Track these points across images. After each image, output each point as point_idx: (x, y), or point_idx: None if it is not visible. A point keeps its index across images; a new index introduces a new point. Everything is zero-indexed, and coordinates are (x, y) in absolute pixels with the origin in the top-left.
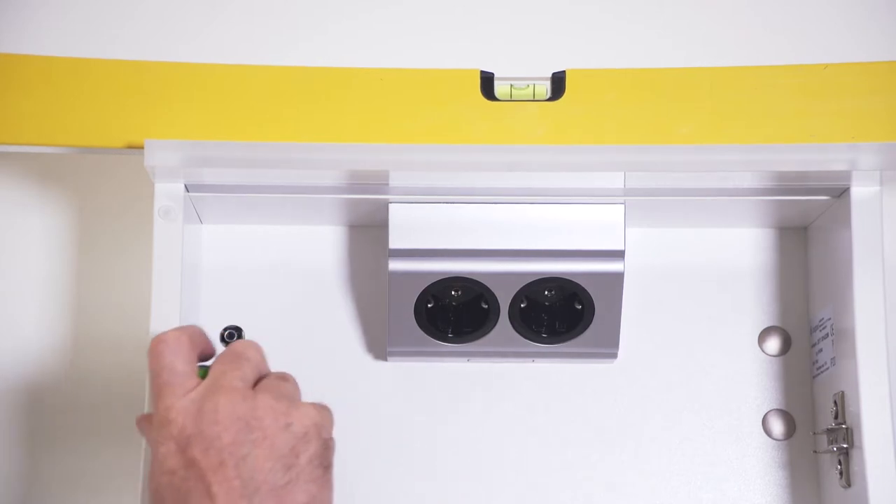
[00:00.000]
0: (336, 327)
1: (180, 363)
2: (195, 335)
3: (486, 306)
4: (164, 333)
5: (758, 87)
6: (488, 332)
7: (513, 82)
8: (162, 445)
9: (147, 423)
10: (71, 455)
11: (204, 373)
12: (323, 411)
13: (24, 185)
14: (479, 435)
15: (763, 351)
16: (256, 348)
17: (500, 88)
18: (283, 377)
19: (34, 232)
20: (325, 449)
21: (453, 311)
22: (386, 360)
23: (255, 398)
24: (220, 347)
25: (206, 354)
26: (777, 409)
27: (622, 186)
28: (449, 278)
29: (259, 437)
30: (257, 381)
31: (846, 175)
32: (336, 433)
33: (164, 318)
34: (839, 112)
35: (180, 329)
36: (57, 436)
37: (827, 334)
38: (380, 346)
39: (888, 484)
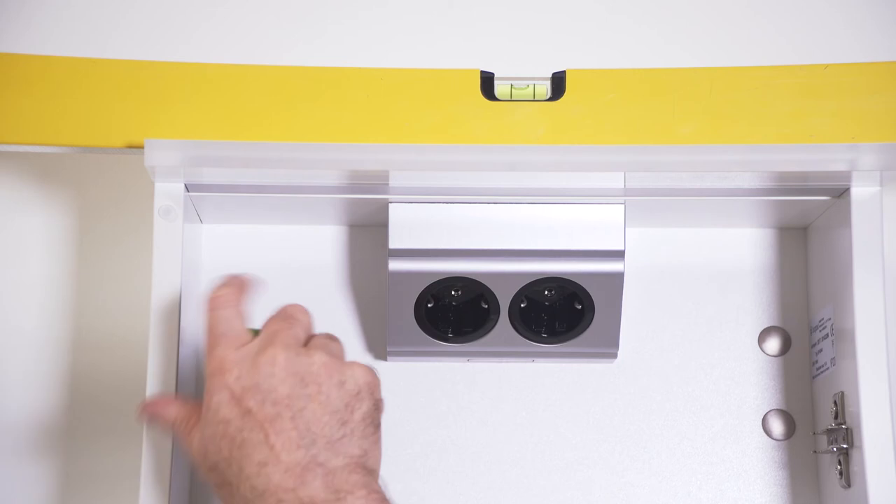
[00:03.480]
0: (336, 327)
1: (236, 318)
2: (248, 287)
3: (486, 306)
4: (222, 288)
5: (758, 87)
6: (488, 332)
7: (513, 82)
8: (216, 394)
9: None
10: (70, 455)
11: (255, 333)
12: (372, 372)
13: (24, 185)
14: (480, 435)
15: (763, 351)
16: (306, 311)
17: (500, 88)
18: (332, 337)
19: (34, 232)
20: (377, 409)
21: (453, 311)
22: (386, 360)
23: (310, 355)
24: None
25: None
26: (777, 409)
27: (622, 186)
28: (449, 278)
29: (314, 391)
30: (307, 341)
31: (846, 175)
32: None
33: (164, 317)
34: (839, 112)
35: (237, 286)
36: (56, 435)
37: (827, 334)
38: (380, 346)
39: (888, 484)
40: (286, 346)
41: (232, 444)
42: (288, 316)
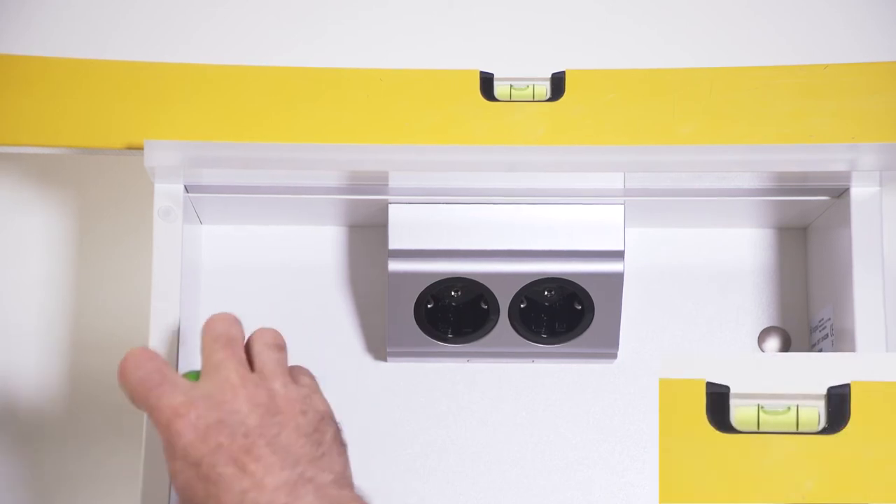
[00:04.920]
0: (336, 327)
1: (164, 367)
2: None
3: (485, 306)
4: (128, 353)
5: (758, 87)
6: (488, 332)
7: (512, 82)
8: (180, 439)
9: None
10: (70, 455)
11: (195, 376)
12: (326, 401)
13: (24, 185)
14: (479, 435)
15: (763, 351)
16: (235, 320)
17: (499, 89)
18: (277, 345)
19: (34, 232)
20: (340, 431)
21: (453, 312)
22: (386, 360)
23: (267, 386)
24: None
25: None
26: None
27: (622, 187)
28: (449, 278)
29: (283, 419)
30: (249, 357)
31: (846, 175)
32: None
33: (163, 318)
34: (839, 112)
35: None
36: (56, 436)
37: (827, 334)
38: (380, 346)
39: None
40: (242, 379)
41: (206, 484)
42: (226, 339)
